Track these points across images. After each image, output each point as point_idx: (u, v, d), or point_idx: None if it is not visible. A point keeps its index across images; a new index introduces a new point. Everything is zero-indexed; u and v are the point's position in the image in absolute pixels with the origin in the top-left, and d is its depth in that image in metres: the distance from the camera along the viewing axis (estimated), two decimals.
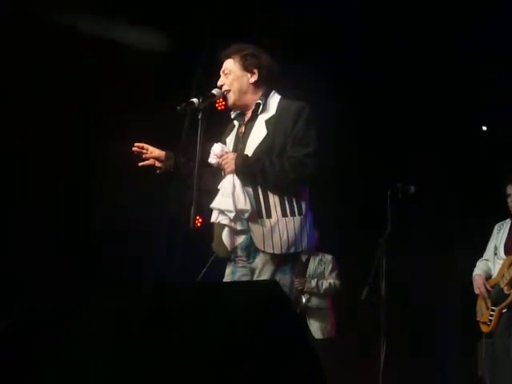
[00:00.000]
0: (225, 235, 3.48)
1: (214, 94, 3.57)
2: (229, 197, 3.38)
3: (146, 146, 3.68)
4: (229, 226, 3.44)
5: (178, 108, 3.45)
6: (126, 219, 6.25)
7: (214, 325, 2.07)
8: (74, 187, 6.14)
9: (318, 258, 6.25)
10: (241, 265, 3.56)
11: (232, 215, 3.38)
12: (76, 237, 6.07)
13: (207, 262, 4.86)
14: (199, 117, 3.45)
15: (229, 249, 3.50)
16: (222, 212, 3.42)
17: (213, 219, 3.47)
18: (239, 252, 3.53)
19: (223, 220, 3.42)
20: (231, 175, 3.44)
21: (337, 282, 6.17)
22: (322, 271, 6.25)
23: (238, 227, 3.42)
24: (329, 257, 6.27)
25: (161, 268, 6.47)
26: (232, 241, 3.48)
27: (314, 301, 6.12)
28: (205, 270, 4.80)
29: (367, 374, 5.14)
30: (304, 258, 6.00)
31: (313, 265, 6.23)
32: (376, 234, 4.79)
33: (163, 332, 2.08)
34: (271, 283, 2.32)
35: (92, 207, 6.18)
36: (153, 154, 3.68)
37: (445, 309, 6.69)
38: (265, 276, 3.41)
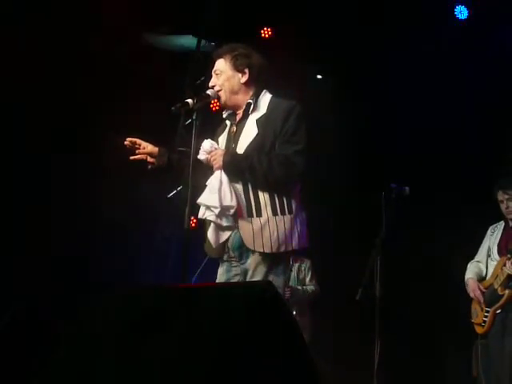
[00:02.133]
0: (210, 232, 3.49)
1: (208, 95, 3.58)
2: (215, 193, 3.39)
3: (138, 141, 3.67)
4: (214, 223, 3.44)
5: (173, 108, 3.45)
6: (125, 219, 6.25)
7: (209, 327, 2.07)
8: (70, 188, 6.12)
9: (297, 266, 6.24)
10: (233, 265, 3.55)
11: (217, 211, 3.38)
12: (74, 239, 6.06)
13: (202, 262, 4.86)
14: (193, 117, 3.46)
15: (213, 246, 3.50)
16: (208, 208, 3.42)
17: (200, 215, 3.48)
18: (231, 253, 3.53)
19: (209, 216, 3.43)
20: (219, 171, 3.44)
21: (317, 288, 6.20)
22: (303, 277, 6.25)
23: (224, 223, 3.42)
24: (308, 263, 6.27)
25: (158, 270, 6.47)
26: (217, 238, 3.48)
27: (297, 308, 6.09)
28: (199, 270, 4.80)
29: (363, 374, 5.13)
30: None
31: (294, 273, 6.22)
32: (371, 234, 4.79)
33: (160, 333, 2.08)
34: (266, 284, 2.32)
35: (91, 209, 6.17)
36: (145, 149, 3.68)
37: (442, 309, 6.68)
38: (257, 277, 3.40)
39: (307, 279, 6.25)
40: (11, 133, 5.82)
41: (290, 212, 3.46)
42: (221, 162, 3.43)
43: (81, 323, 2.23)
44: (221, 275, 3.60)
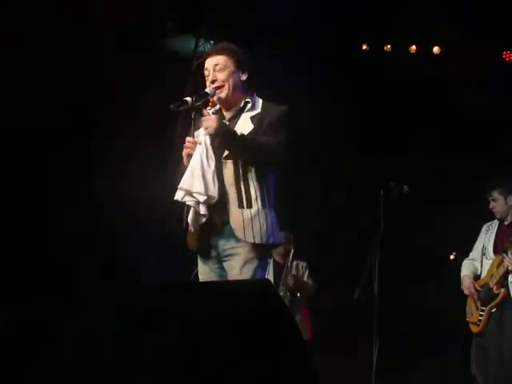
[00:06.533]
0: (191, 216, 3.44)
1: (206, 93, 3.56)
2: (198, 179, 3.36)
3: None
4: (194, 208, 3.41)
5: (172, 107, 3.43)
6: (125, 219, 6.25)
7: (208, 326, 2.07)
8: (69, 187, 6.13)
9: (295, 263, 6.29)
10: (216, 261, 3.54)
11: (201, 198, 3.36)
12: (73, 237, 6.07)
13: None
14: (192, 116, 3.45)
15: (192, 229, 3.47)
16: (189, 193, 3.38)
17: (177, 197, 3.42)
18: (214, 252, 3.53)
19: (189, 201, 3.39)
20: (198, 157, 3.39)
21: (315, 285, 6.25)
22: (301, 275, 6.31)
23: (202, 211, 3.39)
24: (304, 263, 6.33)
25: (155, 268, 6.47)
26: (196, 220, 3.44)
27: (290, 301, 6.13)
28: (197, 268, 4.79)
29: (361, 374, 5.14)
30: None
31: (293, 269, 6.26)
32: (369, 233, 4.80)
33: (160, 333, 2.08)
34: (265, 282, 2.32)
35: (90, 206, 6.17)
36: None
37: (442, 309, 6.70)
38: (246, 269, 3.40)
39: (305, 276, 6.30)
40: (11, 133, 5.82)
41: (271, 207, 3.51)
42: (215, 125, 3.40)
43: (81, 323, 2.23)
44: (205, 274, 3.59)
